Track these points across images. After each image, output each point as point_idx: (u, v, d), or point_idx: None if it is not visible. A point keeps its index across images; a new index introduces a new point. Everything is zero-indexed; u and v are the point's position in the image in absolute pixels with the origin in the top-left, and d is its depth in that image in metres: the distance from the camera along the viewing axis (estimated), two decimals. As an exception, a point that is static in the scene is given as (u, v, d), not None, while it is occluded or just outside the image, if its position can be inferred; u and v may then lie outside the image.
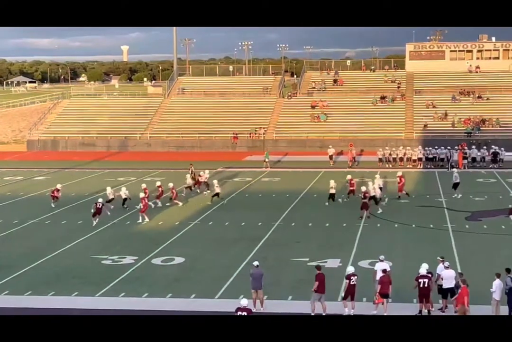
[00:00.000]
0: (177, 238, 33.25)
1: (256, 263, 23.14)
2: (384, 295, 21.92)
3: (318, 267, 22.68)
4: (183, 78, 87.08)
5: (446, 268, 22.43)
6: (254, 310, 21.82)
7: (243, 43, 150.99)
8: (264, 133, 70.65)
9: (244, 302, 19.45)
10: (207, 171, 47.00)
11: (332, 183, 40.69)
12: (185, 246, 31.55)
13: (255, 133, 70.90)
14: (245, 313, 18.91)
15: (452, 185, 43.22)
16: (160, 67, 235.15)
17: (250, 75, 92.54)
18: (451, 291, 21.97)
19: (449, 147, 57.86)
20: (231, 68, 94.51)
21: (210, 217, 37.73)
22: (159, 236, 33.64)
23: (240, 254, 29.57)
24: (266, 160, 57.55)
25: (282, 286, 25.01)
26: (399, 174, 43.25)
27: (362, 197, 36.95)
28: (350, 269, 22.42)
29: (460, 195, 42.49)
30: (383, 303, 21.92)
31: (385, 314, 21.68)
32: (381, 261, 23.49)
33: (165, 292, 24.77)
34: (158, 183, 42.68)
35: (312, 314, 21.50)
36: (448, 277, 22.08)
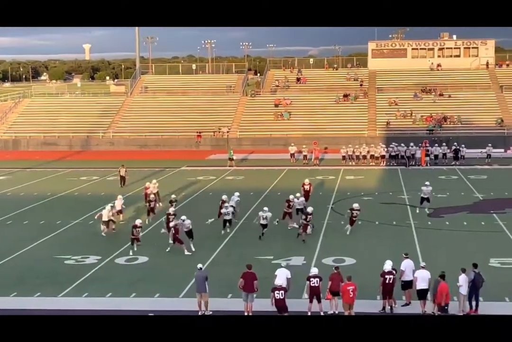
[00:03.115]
0: (140, 237, 33.01)
1: (199, 265, 22.96)
2: (335, 292, 21.90)
3: (247, 266, 22.53)
4: (146, 76, 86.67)
5: (422, 268, 22.49)
6: (199, 313, 21.85)
7: (206, 41, 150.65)
8: (227, 132, 70.59)
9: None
10: (154, 181, 41.66)
11: (306, 181, 40.15)
12: (149, 245, 31.35)
13: (219, 132, 70.81)
14: (282, 292, 20.72)
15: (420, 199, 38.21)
16: (123, 66, 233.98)
17: (213, 73, 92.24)
18: (425, 292, 21.90)
19: (411, 145, 58.35)
20: (194, 66, 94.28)
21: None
22: (123, 235, 33.39)
23: (204, 253, 29.48)
24: (231, 158, 57.58)
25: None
26: (307, 181, 40.41)
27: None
28: (313, 271, 22.29)
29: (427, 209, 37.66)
30: (330, 300, 21.93)
31: (336, 311, 21.75)
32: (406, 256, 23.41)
33: (129, 291, 24.62)
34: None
35: (245, 313, 21.60)
36: (422, 277, 21.99)
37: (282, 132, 69.95)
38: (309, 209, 31.94)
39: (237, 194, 37.04)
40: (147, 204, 36.77)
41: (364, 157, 58.08)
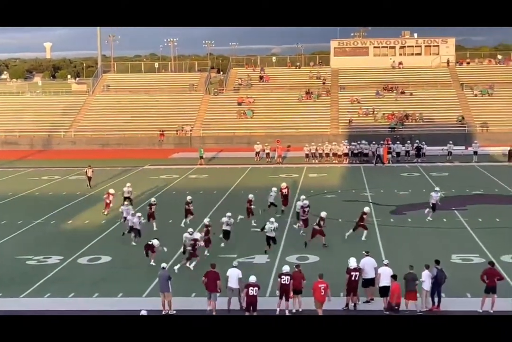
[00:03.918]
0: (103, 237, 32.86)
1: (163, 265, 22.90)
2: (296, 290, 21.89)
3: (211, 265, 22.53)
4: (107, 75, 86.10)
5: (385, 265, 22.57)
6: (163, 312, 21.76)
7: (169, 39, 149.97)
8: (190, 130, 70.40)
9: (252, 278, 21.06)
10: (128, 184, 39.99)
11: (284, 185, 38.84)
12: (111, 245, 31.20)
13: (182, 131, 70.58)
14: (256, 288, 20.75)
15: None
16: (84, 64, 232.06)
17: (176, 72, 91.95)
18: (387, 289, 21.94)
19: (374, 142, 58.77)
20: (156, 65, 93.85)
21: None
22: (85, 234, 33.18)
23: (167, 252, 29.33)
24: (201, 157, 57.53)
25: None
26: (284, 185, 38.86)
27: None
28: (284, 268, 22.22)
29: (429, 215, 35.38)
30: (293, 298, 21.97)
31: (300, 309, 21.79)
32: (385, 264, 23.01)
33: (92, 291, 24.44)
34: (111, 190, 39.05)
35: (212, 312, 21.58)
36: (385, 274, 22.06)
37: (245, 130, 69.92)
38: (323, 214, 30.33)
39: (274, 189, 37.18)
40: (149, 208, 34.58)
41: (327, 155, 58.29)
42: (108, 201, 37.32)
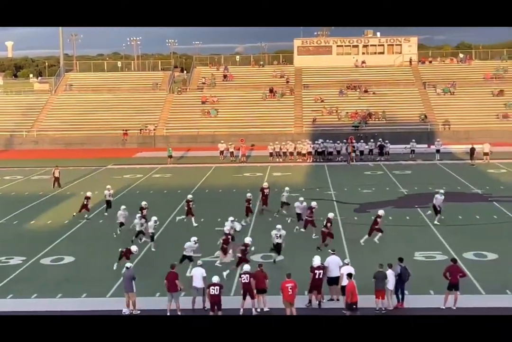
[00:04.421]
0: (66, 237, 32.61)
1: (128, 264, 22.77)
2: (259, 290, 21.91)
3: (171, 265, 22.45)
4: (70, 74, 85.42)
5: (346, 264, 22.67)
6: (127, 313, 21.64)
7: (132, 38, 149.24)
8: (154, 130, 70.12)
9: (215, 278, 21.05)
10: (108, 186, 38.48)
11: (265, 184, 38.00)
12: (75, 245, 30.98)
13: (145, 130, 70.27)
14: (217, 288, 20.62)
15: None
16: (47, 63, 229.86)
17: (139, 71, 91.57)
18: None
19: (338, 141, 59.06)
20: (119, 64, 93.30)
21: (100, 215, 37.11)
22: (48, 235, 32.91)
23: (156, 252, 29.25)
24: (170, 156, 57.34)
25: (175, 282, 24.85)
26: (266, 184, 37.98)
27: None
28: (244, 267, 22.28)
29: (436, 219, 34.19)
30: (257, 298, 21.98)
31: (264, 309, 21.78)
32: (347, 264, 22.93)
33: (55, 292, 24.25)
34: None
35: (168, 313, 21.56)
36: (345, 273, 22.10)
37: (209, 129, 69.82)
38: (330, 215, 29.97)
39: (287, 188, 36.99)
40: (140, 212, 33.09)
41: (291, 154, 58.42)
42: (87, 204, 36.35)
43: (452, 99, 73.76)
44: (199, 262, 23.37)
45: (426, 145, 61.45)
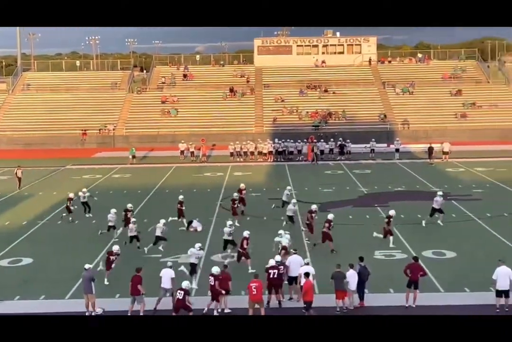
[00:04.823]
0: (25, 238, 32.22)
1: (86, 265, 22.52)
2: (224, 290, 21.86)
3: (136, 269, 22.22)
4: (28, 73, 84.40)
5: (306, 264, 22.69)
6: (86, 313, 21.45)
7: (90, 37, 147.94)
8: (113, 129, 69.60)
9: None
10: (84, 189, 37.99)
11: (243, 186, 37.28)
12: (33, 246, 30.61)
13: (105, 130, 69.72)
14: (182, 293, 20.52)
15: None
16: (4, 63, 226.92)
17: (98, 70, 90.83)
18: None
19: (299, 141, 59.22)
20: (78, 63, 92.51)
21: (59, 216, 36.72)
22: (6, 236, 32.49)
23: (90, 253, 28.94)
24: (133, 156, 56.97)
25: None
26: (243, 186, 37.40)
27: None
28: (212, 270, 22.15)
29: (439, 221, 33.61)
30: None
31: (226, 310, 21.71)
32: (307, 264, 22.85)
33: (13, 294, 23.92)
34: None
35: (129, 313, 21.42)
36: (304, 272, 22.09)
37: (169, 129, 69.47)
38: (330, 216, 29.34)
39: (289, 188, 36.99)
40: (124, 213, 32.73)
41: (252, 153, 58.45)
42: (70, 206, 35.59)
43: (411, 99, 74.32)
44: (169, 263, 23.26)
45: (385, 145, 61.85)
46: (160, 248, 29.19)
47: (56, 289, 24.33)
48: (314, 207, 31.58)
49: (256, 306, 21.04)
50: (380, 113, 70.76)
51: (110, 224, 31.77)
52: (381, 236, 29.83)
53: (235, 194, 35.01)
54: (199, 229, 31.77)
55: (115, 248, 25.43)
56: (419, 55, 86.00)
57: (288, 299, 22.70)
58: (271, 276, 22.15)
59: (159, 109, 72.96)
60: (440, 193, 34.40)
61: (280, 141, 59.27)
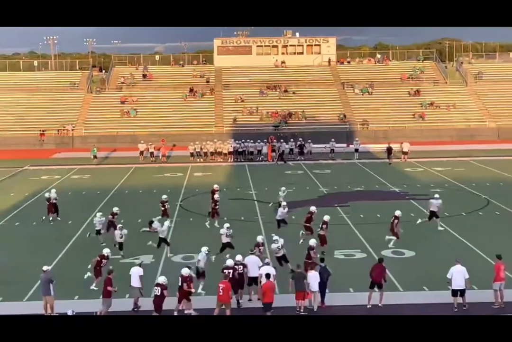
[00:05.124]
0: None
1: (45, 267, 22.23)
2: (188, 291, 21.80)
3: (108, 271, 22.06)
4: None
5: (267, 264, 22.69)
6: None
7: (49, 37, 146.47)
8: (72, 130, 69.00)
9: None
10: (53, 190, 37.04)
11: (216, 186, 36.61)
12: (-10, 248, 30.22)
13: (63, 130, 69.08)
14: (159, 289, 20.47)
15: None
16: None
17: (57, 70, 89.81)
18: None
19: (259, 141, 59.27)
20: (36, 63, 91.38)
21: (17, 217, 36.32)
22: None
23: (49, 255, 28.64)
24: (95, 156, 56.51)
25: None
26: (216, 186, 36.52)
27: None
28: (182, 271, 22.03)
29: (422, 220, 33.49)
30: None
31: (191, 312, 21.64)
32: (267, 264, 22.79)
33: (-30, 297, 23.60)
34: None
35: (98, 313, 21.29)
36: (264, 273, 22.02)
37: (128, 129, 69.10)
38: (326, 217, 29.15)
39: (283, 188, 36.63)
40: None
41: (212, 153, 58.36)
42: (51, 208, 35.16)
43: (370, 99, 74.81)
44: (137, 261, 23.13)
45: (345, 145, 62.15)
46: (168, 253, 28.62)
47: (14, 291, 24.03)
48: (313, 208, 31.25)
49: (223, 306, 21.02)
50: (340, 114, 71.13)
51: (97, 228, 30.85)
52: (394, 237, 29.51)
53: (216, 196, 34.57)
54: (159, 229, 31.56)
55: (106, 251, 24.78)
56: (378, 55, 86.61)
57: (248, 300, 22.69)
58: (227, 276, 22.14)
59: (118, 110, 72.51)
60: (437, 195, 33.91)
61: (240, 142, 59.27)
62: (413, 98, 74.50)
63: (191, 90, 75.24)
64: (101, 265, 24.15)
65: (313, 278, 21.88)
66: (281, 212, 32.03)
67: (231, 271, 22.19)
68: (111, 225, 30.99)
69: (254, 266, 22.79)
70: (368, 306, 21.91)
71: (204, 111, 72.65)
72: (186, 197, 41.67)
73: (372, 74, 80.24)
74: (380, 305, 21.92)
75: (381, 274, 22.11)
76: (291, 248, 27.03)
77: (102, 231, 30.70)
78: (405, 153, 56.57)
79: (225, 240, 27.56)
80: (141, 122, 70.27)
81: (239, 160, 58.01)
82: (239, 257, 22.99)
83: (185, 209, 37.58)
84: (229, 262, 22.50)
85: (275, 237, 26.39)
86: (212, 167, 54.86)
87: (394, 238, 29.45)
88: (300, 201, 39.73)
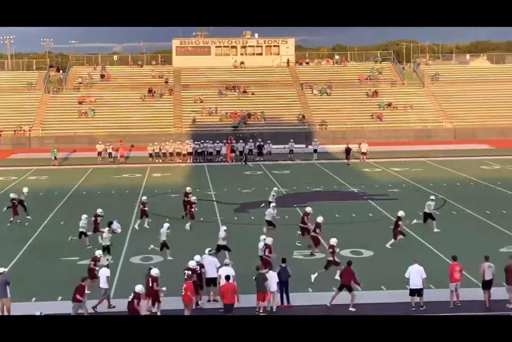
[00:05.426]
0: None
1: (1, 269, 21.88)
2: (148, 293, 21.69)
3: (83, 278, 21.67)
4: None
5: (226, 265, 22.62)
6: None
7: (5, 37, 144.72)
8: (29, 131, 68.28)
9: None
10: (25, 189, 36.83)
11: (189, 189, 36.04)
12: None
13: (20, 130, 68.32)
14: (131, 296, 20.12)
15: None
16: None
17: (13, 70, 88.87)
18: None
19: (218, 141, 59.23)
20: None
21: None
22: None
23: (5, 257, 28.29)
24: (55, 157, 55.93)
25: (52, 286, 24.26)
26: (189, 189, 36.03)
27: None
28: (152, 271, 21.84)
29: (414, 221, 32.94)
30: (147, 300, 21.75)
31: (158, 313, 21.56)
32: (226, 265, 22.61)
33: None
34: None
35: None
36: (223, 274, 21.86)
37: (86, 130, 68.60)
38: (319, 219, 28.93)
39: (275, 189, 36.65)
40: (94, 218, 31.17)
41: (171, 154, 58.15)
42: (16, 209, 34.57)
43: (328, 100, 75.21)
44: (105, 262, 22.96)
45: (304, 145, 62.40)
46: (168, 255, 28.11)
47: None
48: (308, 209, 31.07)
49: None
50: (299, 114, 71.38)
51: (81, 229, 30.33)
52: (398, 237, 29.54)
53: (194, 198, 34.32)
54: (119, 230, 31.40)
55: (98, 252, 24.43)
56: (337, 57, 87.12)
57: (208, 301, 22.65)
58: (185, 277, 22.07)
59: (76, 110, 71.97)
60: (432, 197, 33.55)
61: (199, 142, 59.16)
62: (371, 99, 75.05)
63: (150, 90, 74.94)
64: (95, 267, 23.82)
65: (270, 278, 21.88)
66: (269, 212, 31.83)
67: (190, 272, 22.15)
68: (95, 227, 30.61)
69: (212, 266, 22.72)
70: (327, 305, 21.96)
71: (163, 112, 72.41)
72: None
73: (330, 75, 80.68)
74: (351, 308, 21.85)
75: (349, 277, 22.08)
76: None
77: (89, 233, 30.31)
78: (363, 153, 56.98)
79: (221, 242, 27.04)
80: (99, 123, 69.82)
81: (198, 161, 57.91)
82: (197, 258, 22.93)
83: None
84: (191, 264, 22.41)
85: (262, 236, 26.18)
86: (171, 168, 54.69)
87: (401, 237, 29.48)
88: (260, 201, 39.75)
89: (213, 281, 22.55)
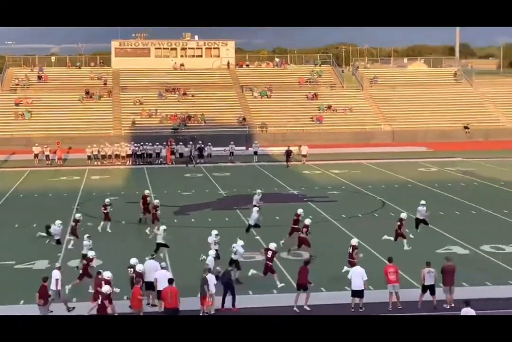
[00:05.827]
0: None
1: None
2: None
3: (42, 278, 21.48)
4: None
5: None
6: None
7: None
8: (-36, 132, 66.92)
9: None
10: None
11: (147, 192, 36.81)
12: None
13: (-45, 132, 66.91)
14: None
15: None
16: None
17: None
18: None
19: (157, 144, 58.84)
20: None
21: None
22: None
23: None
24: None
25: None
26: (147, 192, 37.47)
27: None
28: (104, 274, 21.57)
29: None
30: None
31: (116, 314, 21.27)
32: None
33: None
34: None
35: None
36: (162, 277, 21.74)
37: (23, 132, 67.52)
38: (307, 221, 28.82)
39: (259, 191, 36.21)
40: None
41: (110, 156, 57.56)
42: None
43: (269, 102, 75.45)
44: (57, 264, 22.68)
45: (244, 148, 62.42)
46: (161, 255, 27.47)
47: None
48: (300, 210, 30.88)
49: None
50: (239, 117, 71.41)
51: (56, 237, 30.02)
52: (392, 238, 29.68)
53: (156, 201, 33.86)
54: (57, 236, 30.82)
55: (91, 253, 24.17)
56: (277, 59, 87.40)
57: (146, 304, 22.39)
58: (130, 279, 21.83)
59: (12, 112, 70.81)
60: (423, 202, 32.55)
61: (138, 144, 58.71)
62: (311, 101, 75.52)
63: (87, 92, 74.09)
64: (88, 267, 23.71)
65: (209, 281, 21.75)
66: (253, 216, 31.69)
67: (133, 275, 21.93)
68: (74, 232, 30.11)
69: (152, 270, 22.48)
70: (294, 308, 21.90)
71: (101, 114, 71.70)
72: (83, 200, 40.98)
73: (270, 77, 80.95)
74: (305, 307, 21.89)
75: (304, 276, 22.14)
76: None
77: (72, 237, 29.92)
78: (304, 156, 57.26)
79: (213, 247, 26.21)
80: (36, 125, 68.83)
81: (137, 163, 57.46)
82: (133, 261, 22.66)
83: (82, 212, 36.82)
84: (138, 267, 22.14)
85: (239, 240, 25.89)
86: (110, 170, 54.14)
87: (391, 238, 29.70)
88: (199, 203, 39.61)
89: (151, 285, 22.31)
